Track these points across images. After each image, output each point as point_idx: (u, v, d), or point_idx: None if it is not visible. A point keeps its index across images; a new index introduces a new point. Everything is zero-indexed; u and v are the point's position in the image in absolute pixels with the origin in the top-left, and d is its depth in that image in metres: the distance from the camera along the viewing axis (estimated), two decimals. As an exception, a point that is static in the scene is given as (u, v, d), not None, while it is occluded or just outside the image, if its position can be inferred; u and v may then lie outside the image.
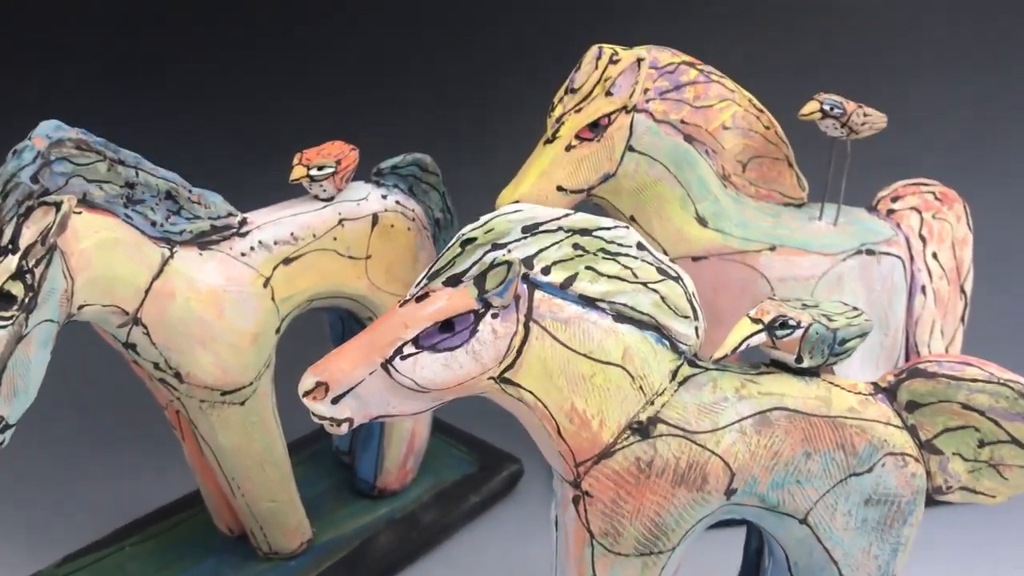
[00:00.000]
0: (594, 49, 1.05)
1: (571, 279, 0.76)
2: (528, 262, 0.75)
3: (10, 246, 0.78)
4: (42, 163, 0.81)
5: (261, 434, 1.03)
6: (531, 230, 0.75)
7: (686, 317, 0.80)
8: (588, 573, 0.83)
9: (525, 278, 0.75)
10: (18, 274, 0.78)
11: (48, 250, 0.80)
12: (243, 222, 1.00)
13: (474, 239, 0.74)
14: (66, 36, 2.02)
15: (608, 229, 0.78)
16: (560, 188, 1.04)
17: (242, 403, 1.00)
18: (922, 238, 1.20)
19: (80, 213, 0.85)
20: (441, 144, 1.42)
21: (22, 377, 0.80)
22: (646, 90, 1.07)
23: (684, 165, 1.11)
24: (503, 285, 0.72)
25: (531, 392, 0.77)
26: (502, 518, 1.23)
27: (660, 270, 0.79)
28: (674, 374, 0.80)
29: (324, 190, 1.05)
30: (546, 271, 0.76)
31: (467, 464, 1.26)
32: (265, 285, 1.00)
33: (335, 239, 1.05)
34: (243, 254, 0.99)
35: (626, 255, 0.78)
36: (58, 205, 0.78)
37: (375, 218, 1.08)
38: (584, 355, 0.77)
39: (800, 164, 1.17)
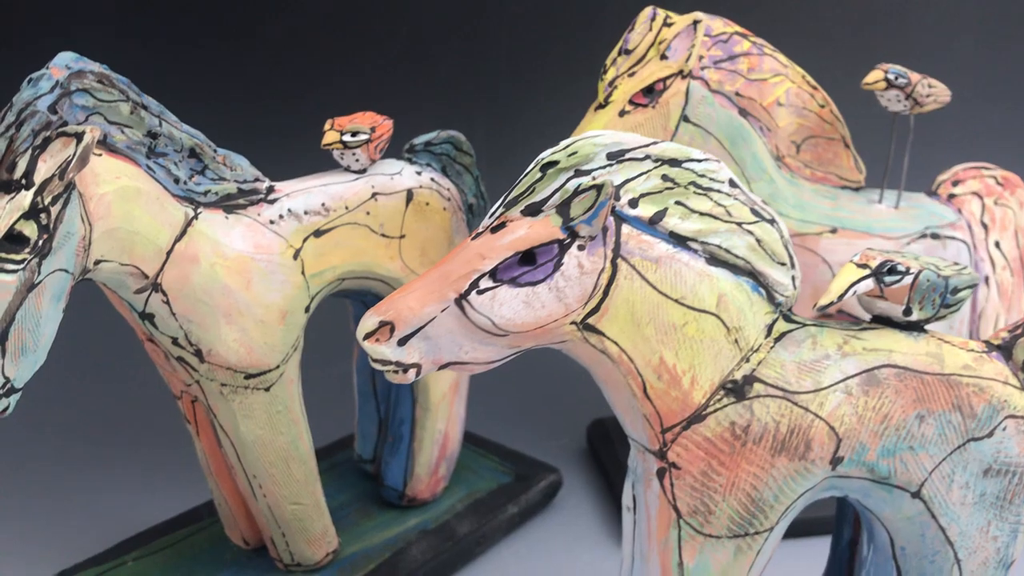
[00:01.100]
0: (648, 10, 0.99)
1: (660, 214, 0.68)
2: (616, 192, 0.67)
3: (23, 180, 0.68)
4: (61, 93, 0.73)
5: (287, 425, 0.93)
6: (617, 157, 0.67)
7: (783, 264, 0.72)
8: (674, 560, 0.73)
9: (612, 210, 0.66)
10: (32, 212, 0.68)
11: (66, 187, 0.71)
12: (271, 189, 0.92)
13: (555, 163, 0.66)
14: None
15: (699, 161, 0.70)
16: (614, 156, 0.96)
17: (267, 389, 0.90)
18: (984, 225, 1.14)
19: (100, 155, 0.76)
20: (479, 118, 1.33)
21: (31, 333, 0.70)
22: (700, 57, 1.01)
23: (739, 141, 1.04)
24: (592, 211, 0.64)
25: (616, 343, 0.68)
26: (541, 530, 1.12)
27: (754, 211, 0.71)
28: (769, 329, 0.72)
29: (357, 160, 0.97)
30: (633, 204, 0.68)
31: (501, 474, 1.15)
32: (295, 257, 0.91)
33: (368, 213, 0.96)
34: (272, 221, 0.90)
35: (718, 191, 0.70)
36: (79, 135, 0.69)
37: (410, 194, 1.00)
38: (676, 300, 0.68)
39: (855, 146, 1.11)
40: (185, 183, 0.84)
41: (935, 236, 1.09)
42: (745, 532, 0.72)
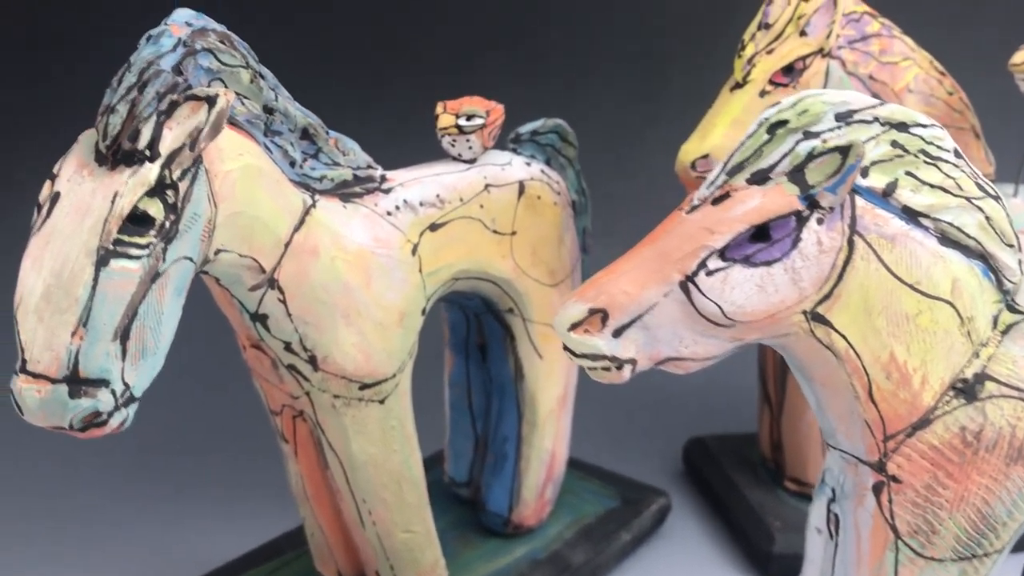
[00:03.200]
0: (787, -18, 0.91)
1: (892, 185, 0.59)
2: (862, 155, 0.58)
3: (147, 151, 0.58)
4: (185, 52, 0.62)
5: (400, 443, 0.82)
6: (846, 118, 0.58)
7: (1010, 245, 0.64)
8: (889, 586, 0.64)
9: (846, 178, 0.57)
10: (158, 188, 0.58)
11: (195, 160, 0.60)
12: (383, 177, 0.82)
13: (784, 122, 0.57)
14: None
15: (925, 127, 0.61)
16: (755, 140, 0.87)
17: (382, 401, 0.80)
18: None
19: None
20: (589, 105, 1.21)
21: (153, 332, 0.59)
22: (837, 36, 0.93)
23: (873, 127, 0.96)
24: (839, 176, 0.55)
25: (844, 336, 0.59)
26: (655, 557, 1.03)
27: (979, 185, 0.63)
28: (995, 319, 0.63)
29: (470, 148, 0.88)
30: (864, 173, 0.59)
31: (606, 498, 1.05)
32: (413, 252, 0.81)
33: (481, 207, 0.87)
34: (389, 213, 0.80)
35: (946, 161, 0.62)
36: (211, 99, 0.59)
37: (521, 187, 0.90)
38: (911, 286, 0.59)
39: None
40: (300, 167, 0.74)
41: (1077, 231, 1.01)
42: (972, 554, 0.63)
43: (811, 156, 0.56)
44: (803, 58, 0.90)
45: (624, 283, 0.54)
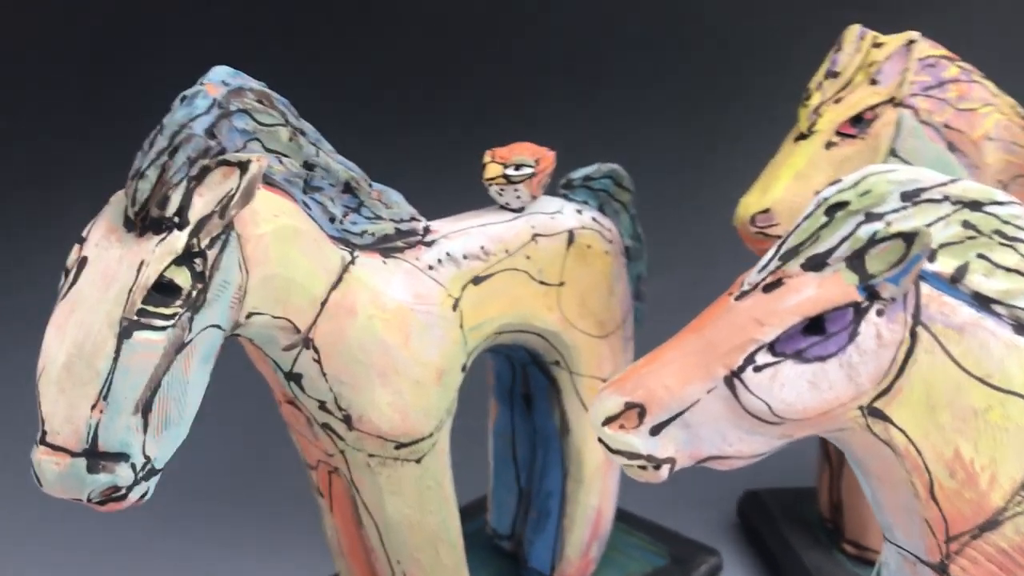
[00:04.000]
0: (855, 28, 0.87)
1: (963, 270, 0.55)
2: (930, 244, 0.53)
3: (176, 218, 0.57)
4: (220, 114, 0.61)
5: (437, 504, 0.80)
6: (912, 198, 0.54)
7: None
8: None
9: (908, 265, 0.53)
10: (186, 257, 0.57)
11: (226, 227, 0.59)
12: (427, 230, 0.79)
13: (845, 204, 0.53)
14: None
15: (1002, 204, 0.57)
16: (819, 195, 0.83)
17: (418, 460, 0.77)
18: None
19: (259, 188, 0.64)
20: (642, 149, 1.18)
21: (177, 403, 0.58)
22: (911, 83, 0.88)
23: (947, 179, 0.91)
24: (903, 266, 0.50)
25: (904, 432, 0.54)
26: (705, 622, 0.98)
27: None
28: None
29: (518, 197, 0.85)
30: (932, 257, 0.54)
31: (654, 556, 1.01)
32: (455, 308, 0.78)
33: (528, 258, 0.84)
34: (431, 267, 0.78)
35: (1024, 242, 0.57)
36: (243, 164, 0.57)
37: (571, 236, 0.87)
38: (980, 379, 0.55)
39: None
40: (340, 222, 0.72)
41: None
42: None
43: (873, 241, 0.52)
44: (873, 108, 0.85)
45: (665, 376, 0.51)
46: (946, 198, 0.55)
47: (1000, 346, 0.55)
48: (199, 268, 0.57)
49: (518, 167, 0.84)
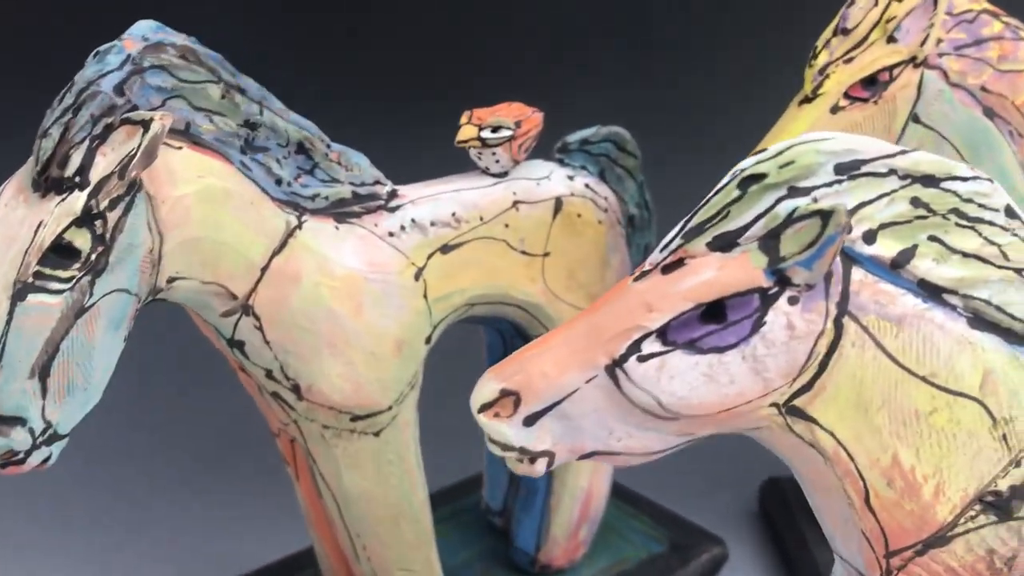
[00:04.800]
0: (874, -21, 0.78)
1: (908, 254, 0.48)
2: (848, 223, 0.47)
3: (77, 178, 0.55)
4: (132, 70, 0.59)
5: (399, 477, 0.77)
6: (850, 170, 0.48)
7: None
8: None
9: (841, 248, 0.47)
10: (85, 218, 0.55)
11: (129, 188, 0.57)
12: (393, 194, 0.76)
13: (762, 176, 0.47)
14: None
15: (965, 180, 0.50)
16: (821, 164, 0.76)
17: (377, 433, 0.75)
18: None
19: (180, 148, 0.62)
20: (643, 117, 1.11)
21: (81, 367, 0.57)
22: (939, 41, 0.79)
23: (982, 149, 0.82)
24: (815, 248, 0.44)
25: (831, 433, 0.49)
26: (700, 615, 0.93)
27: None
28: None
29: (497, 161, 0.81)
30: (870, 238, 0.48)
31: (653, 541, 0.97)
32: (417, 277, 0.75)
33: (506, 226, 0.80)
34: (391, 234, 0.74)
35: (991, 223, 0.50)
36: (146, 123, 0.55)
37: (558, 203, 0.82)
38: (923, 378, 0.48)
39: None
40: (289, 184, 0.70)
41: None
42: None
43: (790, 219, 0.46)
44: (890, 68, 0.77)
45: (545, 362, 0.46)
46: (892, 171, 0.48)
47: (949, 341, 0.48)
48: (99, 231, 0.56)
49: (495, 129, 0.79)
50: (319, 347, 0.70)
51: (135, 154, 0.55)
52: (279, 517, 1.04)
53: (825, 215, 0.44)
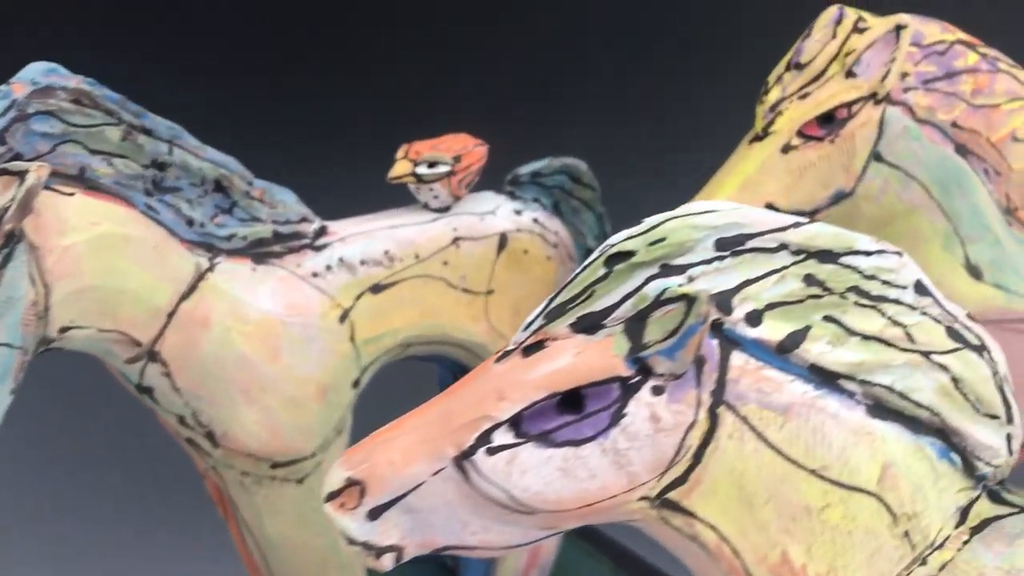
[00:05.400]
0: (832, 10, 0.74)
1: (798, 337, 0.44)
2: (725, 301, 0.43)
3: None
4: (15, 116, 0.57)
5: (324, 526, 0.74)
6: (733, 246, 0.44)
7: (993, 416, 0.47)
8: None
9: (717, 329, 0.43)
10: None
11: (7, 240, 0.55)
12: (321, 231, 0.74)
13: (630, 254, 0.43)
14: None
15: (868, 255, 0.45)
16: (770, 207, 0.72)
17: (300, 481, 0.73)
18: None
19: (73, 195, 0.60)
20: (602, 149, 1.08)
21: (-40, 423, 0.55)
22: (904, 74, 0.74)
23: (953, 188, 0.77)
24: (677, 336, 0.41)
25: (714, 528, 0.45)
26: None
27: (952, 332, 0.46)
28: (964, 513, 0.47)
29: (436, 196, 0.78)
30: (754, 319, 0.44)
31: (610, 586, 0.93)
32: (342, 319, 0.72)
33: (445, 264, 0.77)
34: (315, 274, 0.72)
35: (896, 302, 0.46)
36: (23, 174, 0.53)
37: (503, 239, 0.79)
38: (813, 472, 0.44)
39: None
40: (203, 225, 0.67)
41: None
42: None
43: (659, 301, 0.42)
44: (848, 105, 0.72)
45: (392, 451, 0.43)
46: (783, 246, 0.44)
47: (843, 432, 0.44)
48: None
49: (432, 164, 0.76)
50: (232, 394, 0.68)
51: (10, 207, 0.53)
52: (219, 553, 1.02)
53: (690, 300, 0.41)
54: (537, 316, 0.44)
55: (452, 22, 1.60)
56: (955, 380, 0.46)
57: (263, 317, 0.69)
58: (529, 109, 1.53)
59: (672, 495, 0.44)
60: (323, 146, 1.41)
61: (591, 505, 0.43)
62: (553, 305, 0.44)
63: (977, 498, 0.47)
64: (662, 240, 0.43)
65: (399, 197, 0.82)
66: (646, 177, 1.31)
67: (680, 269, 0.43)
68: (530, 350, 0.43)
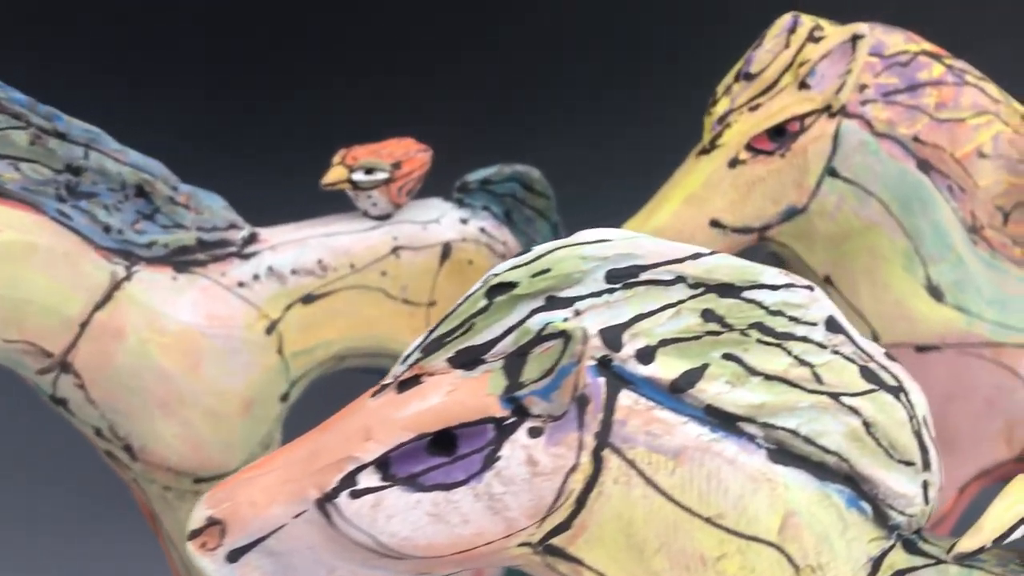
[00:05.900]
0: (786, 18, 0.71)
1: (693, 375, 0.41)
2: (614, 337, 0.41)
3: None
4: None
5: (250, 542, 0.72)
6: (625, 278, 0.41)
7: (908, 463, 0.44)
8: None
9: (604, 367, 0.40)
10: None
11: None
12: (250, 238, 0.71)
13: (512, 285, 0.40)
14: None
15: (774, 289, 0.42)
16: (716, 223, 0.69)
17: (224, 496, 0.70)
18: None
19: None
20: (553, 154, 1.04)
21: None
22: (863, 86, 0.71)
23: (915, 205, 0.74)
24: (553, 375, 0.38)
25: (601, 575, 0.42)
26: None
27: (866, 372, 0.43)
28: (876, 564, 0.44)
29: (374, 204, 0.75)
30: (646, 357, 0.41)
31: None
32: (269, 331, 0.70)
33: (384, 274, 0.74)
34: (240, 284, 0.69)
35: (804, 339, 0.43)
36: None
37: (446, 249, 0.76)
38: (708, 520, 0.42)
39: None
40: (121, 232, 0.65)
41: None
42: None
43: (540, 337, 0.39)
44: (800, 118, 0.69)
45: (255, 490, 0.40)
46: (680, 279, 0.41)
47: (741, 478, 0.42)
48: None
49: (369, 171, 0.74)
50: (149, 407, 0.66)
51: None
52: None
53: (567, 337, 0.38)
54: (415, 349, 0.41)
55: (409, 22, 1.57)
56: (867, 424, 0.43)
57: (182, 328, 0.66)
58: (488, 113, 1.50)
59: (556, 541, 0.41)
60: (263, 150, 1.38)
61: (466, 552, 0.40)
62: (432, 338, 0.41)
63: (891, 548, 0.44)
64: (547, 271, 0.40)
65: (344, 203, 0.79)
66: (604, 184, 1.27)
67: (566, 302, 0.40)
68: (405, 385, 0.41)
